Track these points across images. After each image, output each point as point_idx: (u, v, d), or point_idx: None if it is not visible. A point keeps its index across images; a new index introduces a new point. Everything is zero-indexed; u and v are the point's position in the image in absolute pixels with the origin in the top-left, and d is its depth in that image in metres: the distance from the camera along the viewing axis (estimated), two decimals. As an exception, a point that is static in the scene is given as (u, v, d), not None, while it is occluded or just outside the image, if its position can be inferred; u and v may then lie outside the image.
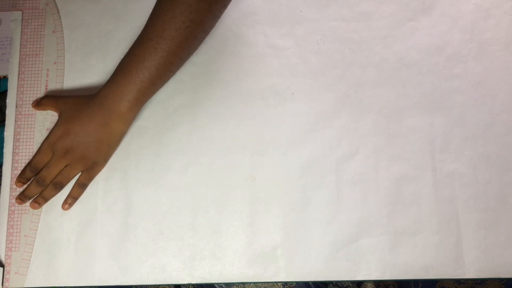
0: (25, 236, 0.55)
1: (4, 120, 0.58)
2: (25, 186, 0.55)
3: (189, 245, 0.55)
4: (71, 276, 0.54)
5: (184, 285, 0.54)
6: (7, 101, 0.58)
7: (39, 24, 0.60)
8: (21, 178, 0.55)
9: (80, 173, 0.55)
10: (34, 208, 0.54)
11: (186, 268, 0.54)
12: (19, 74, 0.59)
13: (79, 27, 0.60)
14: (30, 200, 0.55)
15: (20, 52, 0.59)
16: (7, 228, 0.55)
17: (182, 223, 0.55)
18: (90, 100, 0.54)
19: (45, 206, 0.55)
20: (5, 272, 0.54)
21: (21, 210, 0.55)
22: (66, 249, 0.54)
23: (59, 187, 0.55)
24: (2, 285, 0.54)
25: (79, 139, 0.53)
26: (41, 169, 0.54)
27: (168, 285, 0.55)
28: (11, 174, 0.56)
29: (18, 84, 0.58)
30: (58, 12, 0.60)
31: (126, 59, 0.53)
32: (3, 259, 0.54)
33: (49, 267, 0.54)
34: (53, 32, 0.60)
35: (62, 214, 0.55)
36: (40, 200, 0.54)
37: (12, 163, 0.56)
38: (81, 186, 0.55)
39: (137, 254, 0.54)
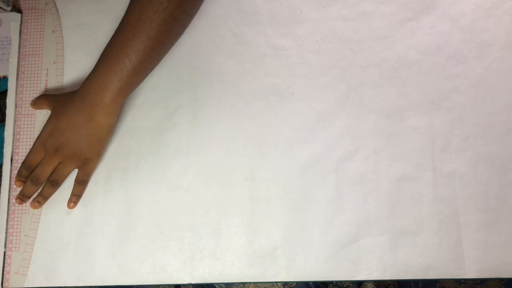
0: (26, 236, 0.55)
1: (4, 120, 0.58)
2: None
3: (189, 245, 0.55)
4: (71, 276, 0.54)
5: (184, 285, 0.54)
6: (7, 101, 0.58)
7: (39, 24, 0.60)
8: (19, 177, 0.55)
9: (77, 170, 0.55)
10: (34, 207, 0.54)
11: (186, 268, 0.54)
12: (18, 74, 0.59)
13: (79, 27, 0.60)
14: (31, 200, 0.55)
15: (19, 52, 0.59)
16: (7, 228, 0.55)
17: (182, 223, 0.55)
18: (74, 95, 0.53)
19: (45, 206, 0.55)
20: (5, 272, 0.54)
21: (21, 210, 0.55)
22: (66, 249, 0.54)
23: (55, 184, 0.55)
24: (2, 285, 0.53)
25: (67, 135, 0.53)
26: (35, 168, 0.54)
27: (168, 285, 0.54)
28: (11, 174, 0.56)
29: (17, 84, 0.58)
30: (58, 12, 0.60)
31: (107, 48, 0.52)
32: (3, 260, 0.54)
33: (49, 267, 0.54)
34: (53, 32, 0.60)
35: (62, 214, 0.55)
36: (39, 198, 0.54)
37: (12, 163, 0.56)
38: (80, 184, 0.55)
39: (137, 254, 0.54)
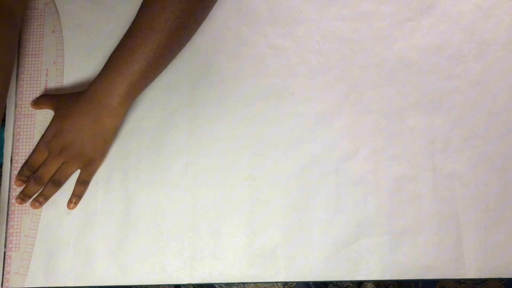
0: (25, 236, 0.55)
1: (4, 120, 0.58)
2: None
3: (189, 245, 0.55)
4: (71, 276, 0.54)
5: (184, 285, 0.54)
6: (7, 101, 0.58)
7: (39, 24, 0.60)
8: (20, 177, 0.55)
9: (79, 171, 0.55)
10: (34, 207, 0.54)
11: (186, 268, 0.54)
12: (18, 74, 0.58)
13: (79, 27, 0.60)
14: (31, 200, 0.55)
15: (19, 52, 0.59)
16: (7, 228, 0.55)
17: (182, 223, 0.55)
18: (81, 96, 0.54)
19: (45, 206, 0.55)
20: (5, 272, 0.54)
21: (21, 210, 0.55)
22: (66, 249, 0.54)
23: (58, 184, 0.55)
24: (2, 285, 0.53)
25: (73, 136, 0.53)
26: (38, 168, 0.54)
27: (168, 285, 0.54)
28: (11, 174, 0.56)
29: (17, 84, 0.58)
30: (57, 12, 0.60)
31: (116, 52, 0.52)
32: (3, 260, 0.54)
33: (49, 267, 0.54)
34: (52, 32, 0.60)
35: (62, 214, 0.55)
36: (40, 198, 0.54)
37: (12, 163, 0.56)
38: (82, 184, 0.55)
39: (137, 254, 0.54)
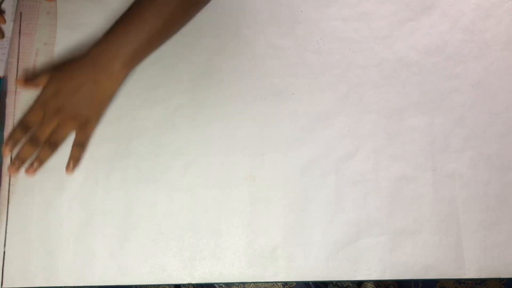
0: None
1: (4, 120, 0.58)
2: (16, 164, 0.53)
3: (189, 245, 0.55)
4: (71, 276, 0.54)
5: (184, 285, 0.54)
6: (6, 100, 0.58)
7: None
8: (11, 139, 0.52)
9: (75, 134, 0.54)
10: (30, 173, 0.53)
11: (186, 268, 0.54)
12: (17, 74, 0.59)
13: (79, 27, 0.60)
14: (29, 183, 0.54)
15: (19, 52, 0.59)
16: (7, 228, 0.55)
17: (182, 223, 0.55)
18: (81, 58, 0.54)
19: (46, 205, 0.55)
20: (4, 272, 0.54)
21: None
22: (66, 249, 0.54)
23: (54, 146, 0.53)
24: (2, 285, 0.53)
25: (70, 97, 0.53)
26: (33, 129, 0.53)
27: (168, 285, 0.54)
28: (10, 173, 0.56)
29: (15, 85, 0.58)
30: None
31: (125, 19, 0.53)
32: (2, 259, 0.54)
33: (49, 267, 0.54)
34: (48, 13, 0.59)
35: (62, 213, 0.55)
36: (35, 163, 0.53)
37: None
38: (79, 146, 0.54)
39: (137, 254, 0.54)
